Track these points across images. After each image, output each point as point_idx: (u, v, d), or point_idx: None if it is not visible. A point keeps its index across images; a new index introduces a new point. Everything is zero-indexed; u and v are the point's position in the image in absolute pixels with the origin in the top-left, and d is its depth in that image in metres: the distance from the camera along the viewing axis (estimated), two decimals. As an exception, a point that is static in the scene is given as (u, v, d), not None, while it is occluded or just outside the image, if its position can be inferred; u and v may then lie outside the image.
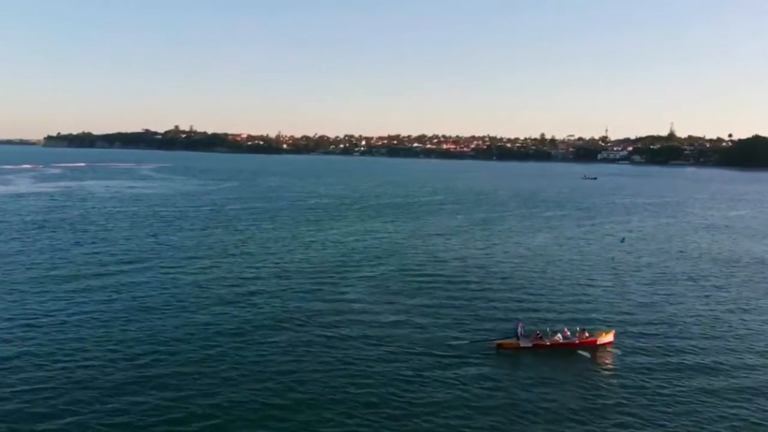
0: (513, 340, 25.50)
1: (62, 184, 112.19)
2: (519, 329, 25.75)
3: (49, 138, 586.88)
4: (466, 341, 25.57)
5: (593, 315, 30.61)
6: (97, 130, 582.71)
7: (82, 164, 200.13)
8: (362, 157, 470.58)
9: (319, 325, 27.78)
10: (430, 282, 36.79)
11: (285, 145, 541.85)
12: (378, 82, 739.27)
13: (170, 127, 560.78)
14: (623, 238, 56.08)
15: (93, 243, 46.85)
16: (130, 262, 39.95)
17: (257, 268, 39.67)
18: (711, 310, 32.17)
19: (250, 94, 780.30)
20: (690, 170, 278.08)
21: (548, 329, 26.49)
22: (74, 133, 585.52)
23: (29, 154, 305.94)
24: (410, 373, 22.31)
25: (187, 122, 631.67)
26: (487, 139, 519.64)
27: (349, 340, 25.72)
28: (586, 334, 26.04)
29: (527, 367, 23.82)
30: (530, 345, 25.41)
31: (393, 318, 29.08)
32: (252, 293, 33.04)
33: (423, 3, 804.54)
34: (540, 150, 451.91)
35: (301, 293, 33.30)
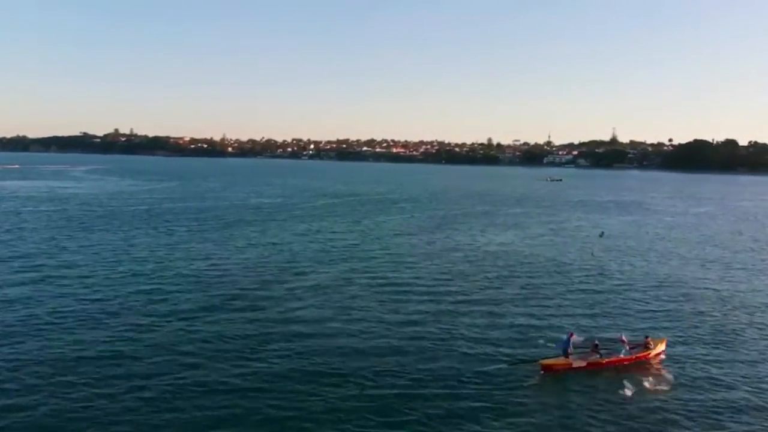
0: (562, 359, 19.78)
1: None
2: (571, 343, 19.92)
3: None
4: (497, 364, 19.43)
5: (625, 318, 25.73)
6: (33, 134, 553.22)
7: (16, 165, 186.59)
8: (311, 161, 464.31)
9: (300, 346, 21.20)
10: (418, 291, 29.97)
11: (230, 149, 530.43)
12: (326, 86, 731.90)
13: (110, 130, 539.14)
14: (602, 233, 52.32)
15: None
16: (27, 264, 32.64)
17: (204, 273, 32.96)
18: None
19: (193, 97, 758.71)
20: (635, 173, 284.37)
21: (601, 337, 21.30)
22: (7, 136, 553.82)
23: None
24: (431, 410, 16.29)
25: (127, 125, 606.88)
26: (435, 143, 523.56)
27: (337, 375, 18.74)
28: (649, 341, 20.98)
29: (583, 392, 18.16)
30: (584, 364, 19.72)
31: (392, 340, 21.86)
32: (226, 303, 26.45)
33: (373, 8, 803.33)
34: (488, 154, 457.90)
35: (263, 296, 26.92)
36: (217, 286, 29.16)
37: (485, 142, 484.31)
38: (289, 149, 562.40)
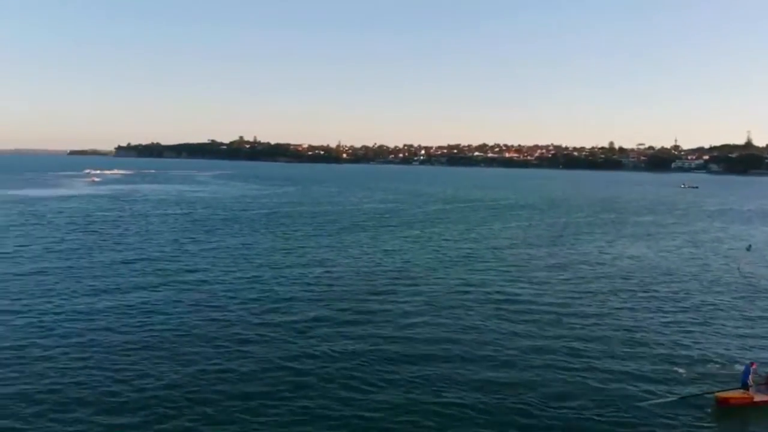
0: (741, 392, 16.96)
1: (119, 187, 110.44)
2: (750, 375, 17.19)
3: (120, 148, 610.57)
4: (659, 397, 16.74)
5: None
6: (166, 141, 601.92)
7: (152, 170, 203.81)
8: (422, 167, 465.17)
9: (425, 366, 19.43)
10: (542, 309, 27.17)
11: (345, 155, 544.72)
12: (437, 92, 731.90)
13: (235, 137, 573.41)
14: (749, 246, 46.27)
15: (119, 243, 41.34)
16: (161, 261, 33.86)
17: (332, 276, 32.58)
18: None
19: (313, 105, 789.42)
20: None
21: None
22: (144, 143, 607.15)
23: (99, 162, 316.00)
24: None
25: (251, 133, 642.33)
26: (551, 147, 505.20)
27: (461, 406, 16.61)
28: None
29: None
30: None
31: (522, 368, 19.36)
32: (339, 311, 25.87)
33: (482, 19, 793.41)
34: (609, 159, 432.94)
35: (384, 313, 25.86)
36: (329, 294, 28.32)
37: (606, 145, 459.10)
38: (401, 155, 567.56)
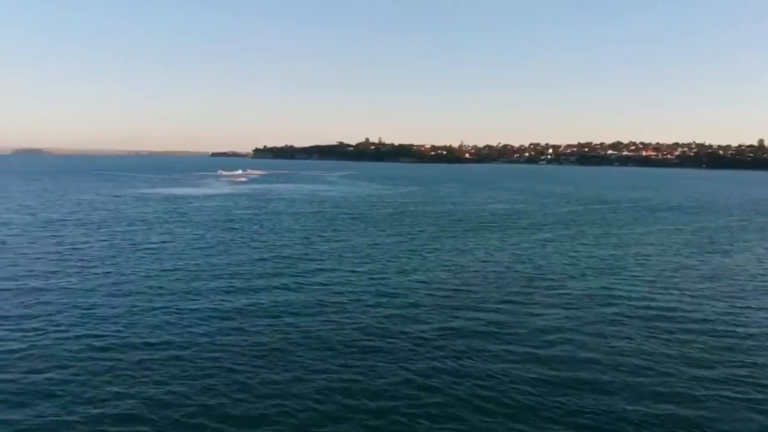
0: None
1: (256, 186, 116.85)
2: None
3: (257, 150, 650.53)
4: None
5: None
6: (298, 143, 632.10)
7: (285, 171, 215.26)
8: (549, 166, 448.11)
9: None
10: (700, 327, 24.06)
11: (467, 155, 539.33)
12: (565, 90, 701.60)
13: (361, 139, 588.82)
14: None
15: (254, 238, 42.95)
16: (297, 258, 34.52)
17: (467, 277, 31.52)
18: None
19: (436, 106, 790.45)
20: None
21: None
22: (278, 146, 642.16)
23: (240, 163, 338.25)
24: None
25: (376, 134, 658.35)
26: (693, 145, 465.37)
27: None
28: None
29: None
30: None
31: (713, 394, 16.84)
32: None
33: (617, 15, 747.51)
34: (758, 158, 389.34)
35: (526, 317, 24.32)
36: (456, 301, 26.88)
37: (755, 143, 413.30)
38: (526, 154, 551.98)
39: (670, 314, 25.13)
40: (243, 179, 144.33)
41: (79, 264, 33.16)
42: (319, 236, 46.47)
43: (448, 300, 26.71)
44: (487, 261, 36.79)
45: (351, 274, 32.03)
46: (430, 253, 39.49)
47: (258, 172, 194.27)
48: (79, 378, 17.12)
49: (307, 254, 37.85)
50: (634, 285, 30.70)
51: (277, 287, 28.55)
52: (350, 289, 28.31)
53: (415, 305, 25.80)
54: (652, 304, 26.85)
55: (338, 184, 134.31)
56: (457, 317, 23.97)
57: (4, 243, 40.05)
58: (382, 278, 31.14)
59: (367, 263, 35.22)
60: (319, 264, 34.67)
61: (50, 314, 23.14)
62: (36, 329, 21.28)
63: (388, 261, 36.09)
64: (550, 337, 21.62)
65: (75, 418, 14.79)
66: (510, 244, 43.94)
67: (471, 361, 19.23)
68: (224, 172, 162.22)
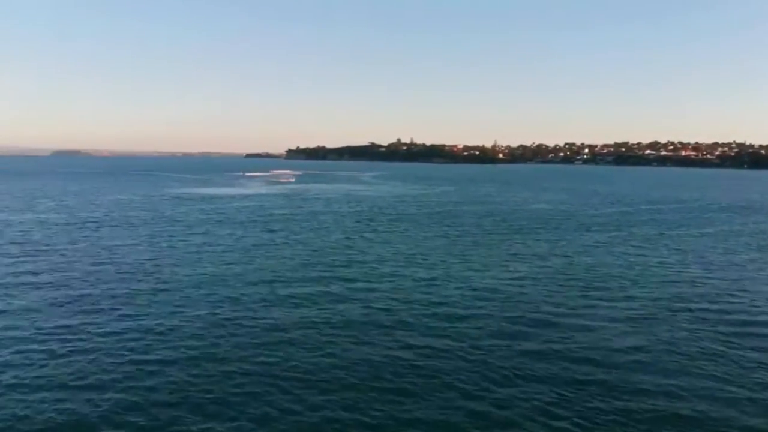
0: None
1: (292, 186, 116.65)
2: None
3: (290, 151, 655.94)
4: None
5: None
6: (330, 144, 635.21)
7: (317, 171, 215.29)
8: (585, 166, 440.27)
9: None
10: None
11: (501, 155, 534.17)
12: (600, 89, 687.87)
13: (393, 139, 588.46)
14: None
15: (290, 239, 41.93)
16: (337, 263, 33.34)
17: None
18: None
19: (469, 106, 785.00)
20: None
21: None
22: (310, 146, 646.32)
23: (273, 163, 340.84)
24: None
25: (408, 135, 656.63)
26: (734, 145, 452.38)
27: None
28: None
29: None
30: None
31: None
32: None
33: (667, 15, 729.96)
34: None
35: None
36: (509, 305, 25.15)
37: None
38: (561, 154, 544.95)
39: (747, 319, 23.08)
40: (287, 180, 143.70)
41: (120, 267, 32.51)
42: (360, 237, 45.17)
43: (500, 308, 25.00)
44: (539, 265, 34.88)
45: (397, 278, 30.56)
46: (478, 255, 37.78)
47: (288, 172, 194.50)
48: (121, 385, 16.10)
49: (350, 257, 36.55)
50: (702, 290, 28.52)
51: (322, 293, 27.20)
52: (398, 296, 26.80)
53: (466, 312, 24.19)
54: (726, 308, 24.77)
55: (373, 184, 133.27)
56: (513, 327, 22.24)
57: (43, 243, 39.80)
58: (429, 283, 29.58)
59: (412, 267, 33.73)
60: (362, 267, 33.32)
61: (91, 322, 22.31)
62: (75, 334, 20.43)
63: (435, 264, 34.50)
64: (621, 355, 19.68)
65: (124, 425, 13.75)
66: (560, 247, 41.90)
67: (529, 368, 17.58)
68: (247, 174, 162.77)
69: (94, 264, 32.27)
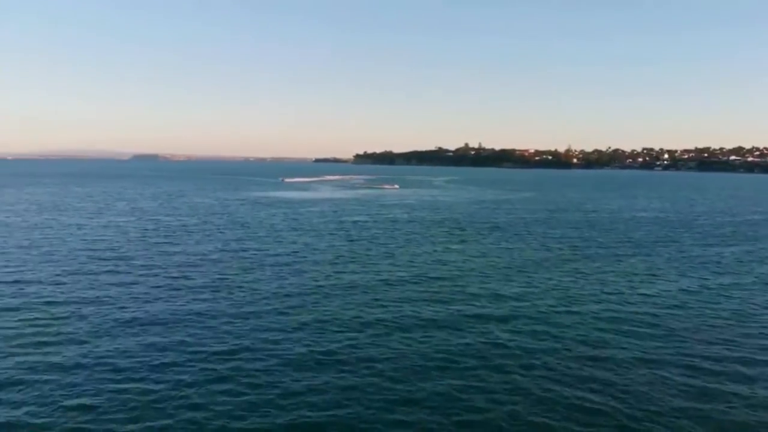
0: None
1: (364, 191, 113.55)
2: None
3: (357, 156, 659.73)
4: None
5: None
6: (397, 149, 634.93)
7: (388, 176, 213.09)
8: (665, 172, 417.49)
9: None
10: None
11: (575, 160, 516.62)
12: (679, 93, 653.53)
13: (460, 144, 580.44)
14: None
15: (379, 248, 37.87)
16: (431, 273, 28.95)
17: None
18: None
19: (539, 110, 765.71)
20: None
21: None
22: (378, 151, 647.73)
23: (344, 168, 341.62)
24: None
25: (475, 139, 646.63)
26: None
27: None
28: None
29: None
30: None
31: None
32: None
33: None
34: None
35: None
36: (645, 339, 19.88)
37: None
38: (639, 159, 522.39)
39: None
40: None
41: (205, 275, 29.31)
42: (449, 248, 40.37)
43: (639, 344, 19.73)
44: (655, 288, 28.95)
45: (500, 300, 25.59)
46: (591, 271, 32.29)
47: (366, 176, 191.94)
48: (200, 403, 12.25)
49: (443, 270, 32.00)
50: None
51: (431, 321, 22.83)
52: (508, 326, 21.97)
53: (593, 330, 19.15)
54: None
55: (448, 189, 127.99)
56: (656, 363, 17.08)
57: (121, 251, 37.42)
58: (541, 305, 24.53)
59: (516, 284, 28.72)
60: (457, 283, 28.64)
61: (178, 336, 18.83)
62: (162, 350, 16.98)
63: (543, 282, 29.20)
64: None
65: None
66: (691, 265, 35.55)
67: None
68: (287, 180, 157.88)
69: (182, 275, 29.26)
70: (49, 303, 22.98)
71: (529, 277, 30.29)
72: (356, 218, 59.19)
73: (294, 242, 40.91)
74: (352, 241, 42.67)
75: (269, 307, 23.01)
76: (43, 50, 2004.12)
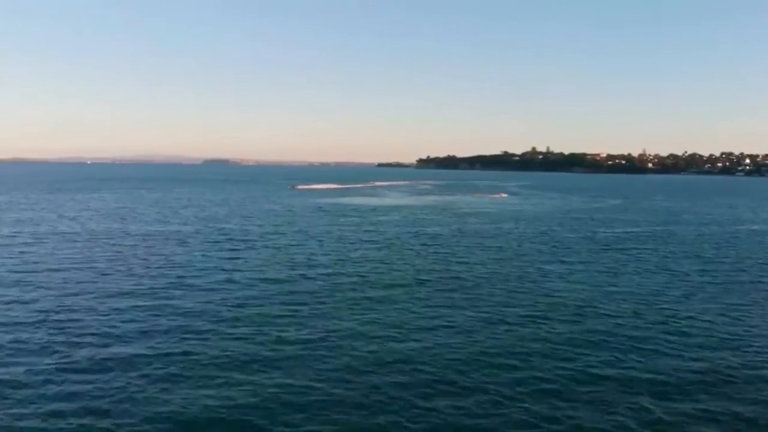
0: None
1: (435, 198, 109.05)
2: None
3: (420, 161, 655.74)
4: None
5: None
6: (460, 153, 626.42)
7: (456, 181, 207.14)
8: (750, 178, 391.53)
9: None
10: None
11: (650, 165, 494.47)
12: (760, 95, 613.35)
13: (527, 148, 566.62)
14: None
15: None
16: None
17: None
18: None
19: (608, 114, 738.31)
20: None
21: None
22: (441, 156, 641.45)
23: (409, 173, 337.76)
24: None
25: (543, 143, 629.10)
26: None
27: None
28: None
29: None
30: None
31: None
32: None
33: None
34: None
35: None
36: None
37: None
38: (719, 164, 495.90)
39: None
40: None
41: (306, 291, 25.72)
42: (552, 269, 35.12)
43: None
44: None
45: (639, 334, 20.61)
46: (713, 301, 26.64)
47: (434, 182, 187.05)
48: None
49: (554, 294, 27.18)
50: None
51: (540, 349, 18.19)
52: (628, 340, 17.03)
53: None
54: None
55: (527, 197, 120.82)
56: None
57: (193, 262, 34.52)
58: (688, 346, 19.40)
59: (650, 313, 23.57)
60: (574, 311, 23.88)
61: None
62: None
63: (688, 320, 23.80)
64: None
65: None
66: None
67: None
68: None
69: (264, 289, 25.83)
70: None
71: (690, 321, 24.89)
72: (438, 229, 54.66)
73: (421, 255, 36.90)
74: (442, 256, 38.25)
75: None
76: (118, 58, 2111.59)
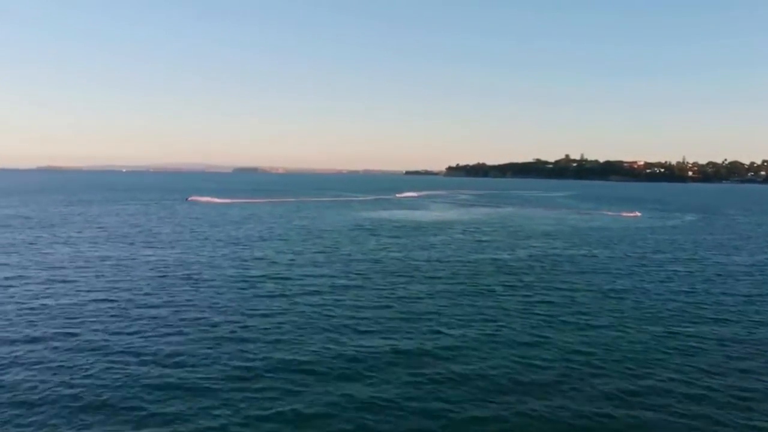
0: None
1: (480, 210, 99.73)
2: None
3: (450, 168, 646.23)
4: None
5: None
6: (491, 161, 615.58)
7: (487, 191, 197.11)
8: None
9: None
10: None
11: (690, 173, 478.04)
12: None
13: (560, 156, 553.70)
14: None
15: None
16: None
17: None
18: None
19: (647, 121, 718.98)
20: None
21: None
22: (470, 164, 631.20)
23: (436, 182, 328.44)
24: None
25: (577, 151, 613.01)
26: None
27: None
28: None
29: None
30: None
31: None
32: None
33: None
34: None
35: None
36: None
37: None
38: (762, 172, 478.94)
39: None
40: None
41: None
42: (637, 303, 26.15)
43: None
44: None
45: None
46: None
47: (476, 192, 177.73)
48: None
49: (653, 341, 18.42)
50: None
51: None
52: None
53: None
54: None
55: (584, 211, 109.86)
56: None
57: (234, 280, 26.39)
58: None
59: None
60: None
61: None
62: None
63: None
64: None
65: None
66: None
67: None
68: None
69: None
70: None
71: None
72: (508, 256, 45.62)
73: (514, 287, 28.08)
74: (510, 285, 29.28)
75: None
76: (152, 68, 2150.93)
